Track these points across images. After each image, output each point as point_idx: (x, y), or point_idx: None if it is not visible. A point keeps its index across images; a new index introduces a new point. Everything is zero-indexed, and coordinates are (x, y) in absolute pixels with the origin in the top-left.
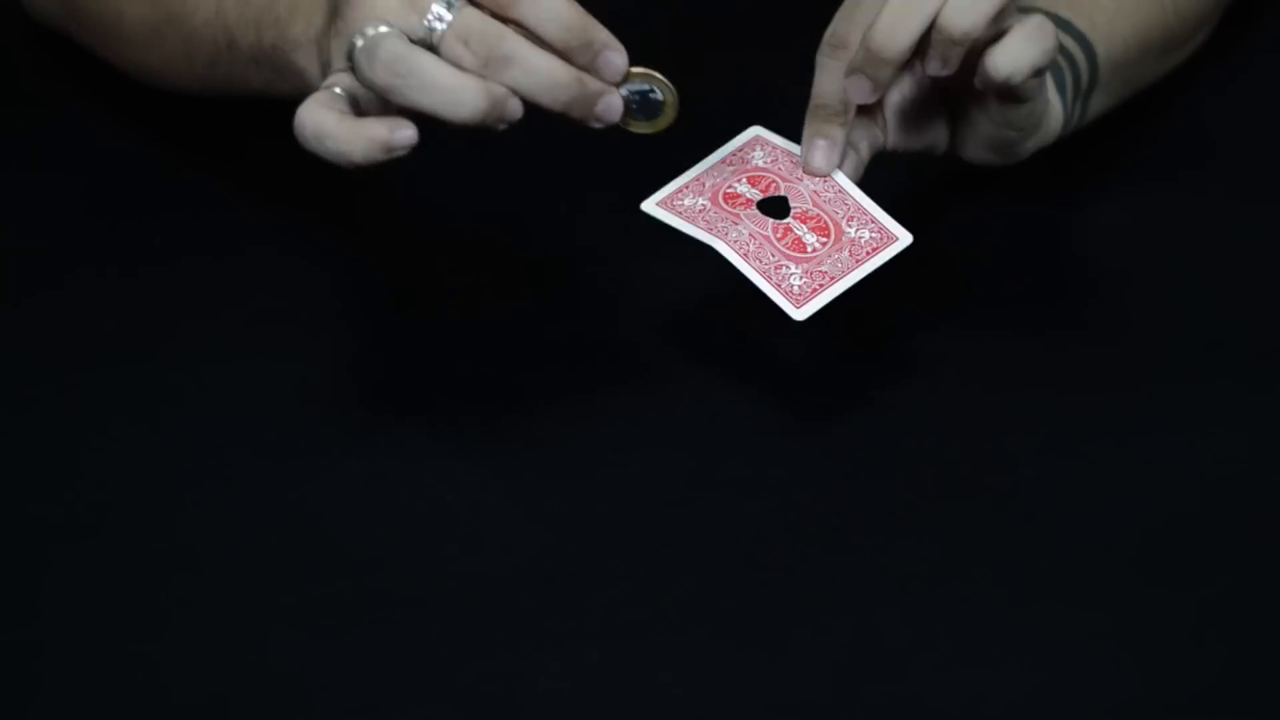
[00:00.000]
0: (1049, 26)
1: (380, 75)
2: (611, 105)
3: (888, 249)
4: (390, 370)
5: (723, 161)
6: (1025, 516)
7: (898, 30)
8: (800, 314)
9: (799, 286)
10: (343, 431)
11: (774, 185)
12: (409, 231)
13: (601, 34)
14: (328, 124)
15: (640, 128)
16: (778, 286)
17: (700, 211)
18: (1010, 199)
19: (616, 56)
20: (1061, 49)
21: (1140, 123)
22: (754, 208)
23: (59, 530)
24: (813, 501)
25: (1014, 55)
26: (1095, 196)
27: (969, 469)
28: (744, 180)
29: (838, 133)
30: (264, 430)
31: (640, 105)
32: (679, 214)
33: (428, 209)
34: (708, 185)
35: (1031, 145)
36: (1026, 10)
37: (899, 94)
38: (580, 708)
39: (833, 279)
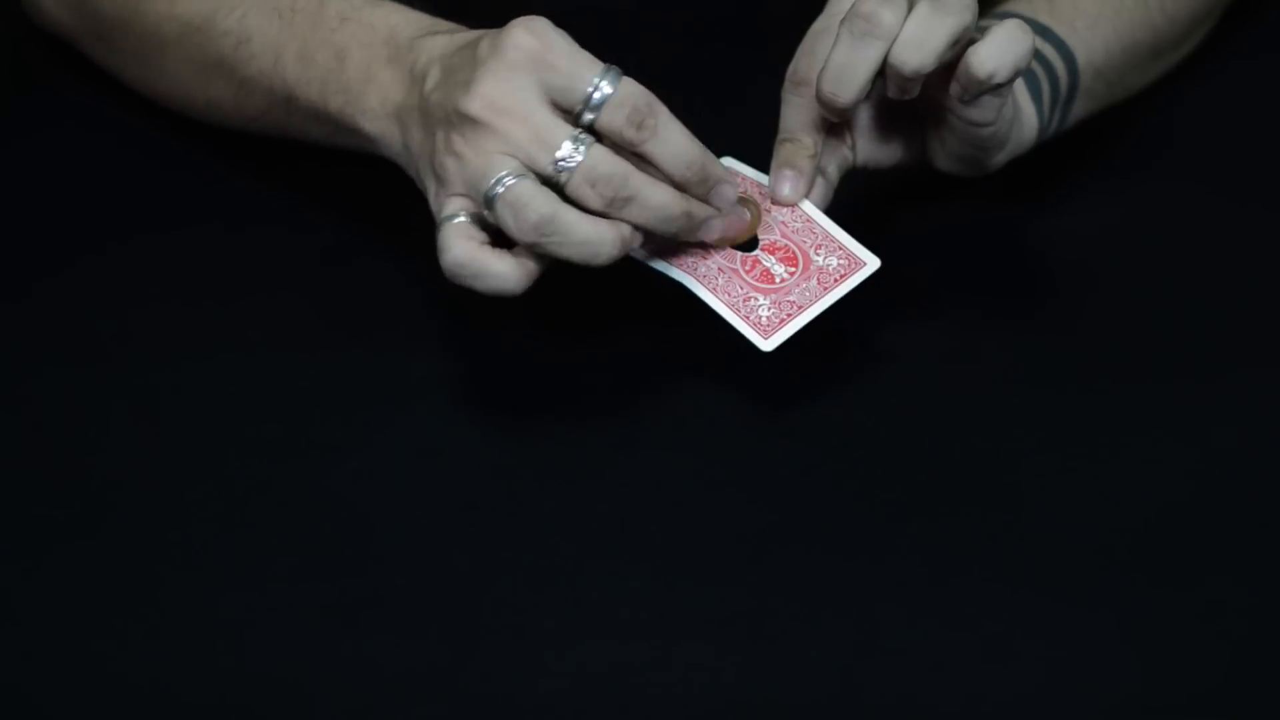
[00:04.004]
0: (1027, 29)
1: (527, 234)
2: (712, 228)
3: (855, 275)
4: (389, 371)
5: None
6: (1025, 516)
7: (845, 78)
8: (768, 345)
9: (767, 318)
10: (343, 432)
11: None
12: (410, 231)
13: (717, 169)
14: (481, 260)
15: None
16: (745, 319)
17: (668, 247)
18: (1007, 199)
19: (729, 190)
20: (1039, 56)
21: (1119, 124)
22: None
23: (59, 530)
24: (813, 502)
25: (997, 54)
26: (1093, 197)
27: (969, 469)
28: None
29: (805, 164)
30: (264, 430)
31: None
32: (646, 248)
33: (427, 209)
34: None
35: (1004, 156)
36: (1003, 16)
37: (866, 112)
38: (580, 708)
39: (800, 308)
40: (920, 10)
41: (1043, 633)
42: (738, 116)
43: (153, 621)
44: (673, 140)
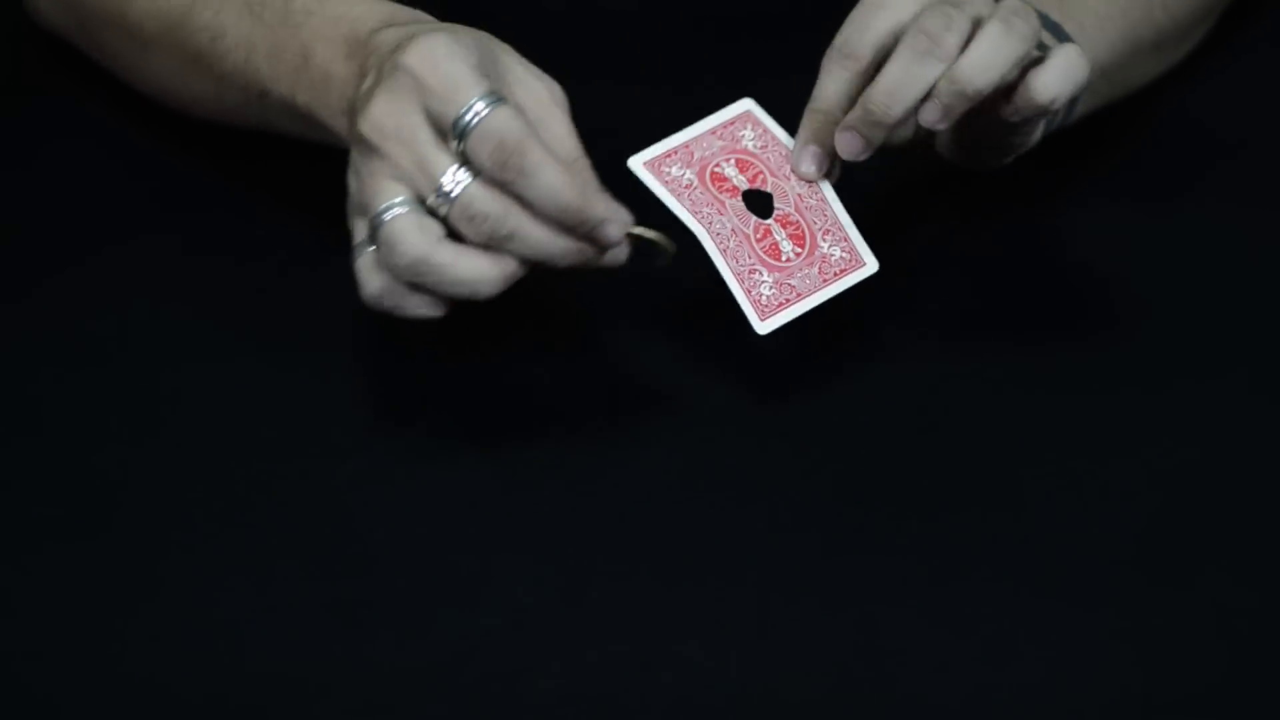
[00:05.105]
0: (1083, 54)
1: (402, 274)
2: (617, 256)
3: (853, 273)
4: (389, 371)
5: (711, 132)
6: (1025, 516)
7: (899, 94)
8: (764, 328)
9: (768, 297)
10: (343, 432)
11: (761, 177)
12: None
13: (598, 209)
14: (400, 293)
15: (642, 266)
16: (748, 293)
17: (687, 188)
18: (1009, 201)
19: (614, 229)
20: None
21: (1119, 124)
22: (739, 197)
23: (59, 530)
24: (813, 502)
25: (1059, 81)
26: (1093, 198)
27: (969, 469)
28: (732, 162)
29: (830, 141)
30: (264, 430)
31: (641, 250)
32: (665, 183)
33: None
34: (696, 157)
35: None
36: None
37: None
38: (580, 708)
39: (799, 296)
40: (990, 32)
41: (1043, 633)
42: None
43: (153, 621)
44: (543, 184)
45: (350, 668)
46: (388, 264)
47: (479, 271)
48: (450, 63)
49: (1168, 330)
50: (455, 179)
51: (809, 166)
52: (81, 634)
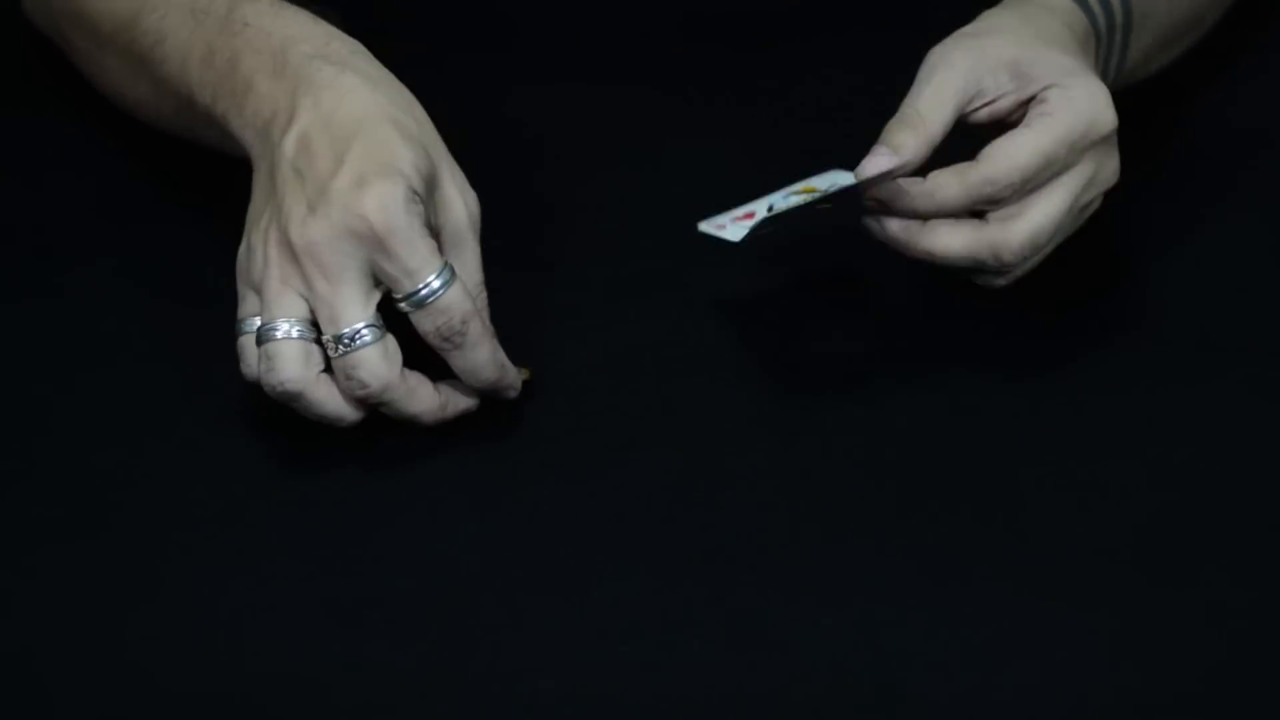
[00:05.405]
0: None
1: (273, 391)
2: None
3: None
4: None
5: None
6: (1025, 517)
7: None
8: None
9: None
10: (342, 431)
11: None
12: None
13: (508, 378)
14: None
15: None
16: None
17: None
18: None
19: (515, 391)
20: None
21: (1120, 123)
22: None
23: (59, 530)
24: (813, 502)
25: (1022, 246)
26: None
27: (969, 469)
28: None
29: (894, 157)
30: (264, 430)
31: None
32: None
33: None
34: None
35: None
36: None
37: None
38: (580, 708)
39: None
40: (1052, 205)
41: (1043, 633)
42: (740, 117)
43: (153, 621)
44: (476, 359)
45: (350, 668)
46: (261, 373)
47: (344, 415)
48: (410, 226)
49: (1168, 330)
50: (355, 339)
51: (871, 168)
52: (81, 634)
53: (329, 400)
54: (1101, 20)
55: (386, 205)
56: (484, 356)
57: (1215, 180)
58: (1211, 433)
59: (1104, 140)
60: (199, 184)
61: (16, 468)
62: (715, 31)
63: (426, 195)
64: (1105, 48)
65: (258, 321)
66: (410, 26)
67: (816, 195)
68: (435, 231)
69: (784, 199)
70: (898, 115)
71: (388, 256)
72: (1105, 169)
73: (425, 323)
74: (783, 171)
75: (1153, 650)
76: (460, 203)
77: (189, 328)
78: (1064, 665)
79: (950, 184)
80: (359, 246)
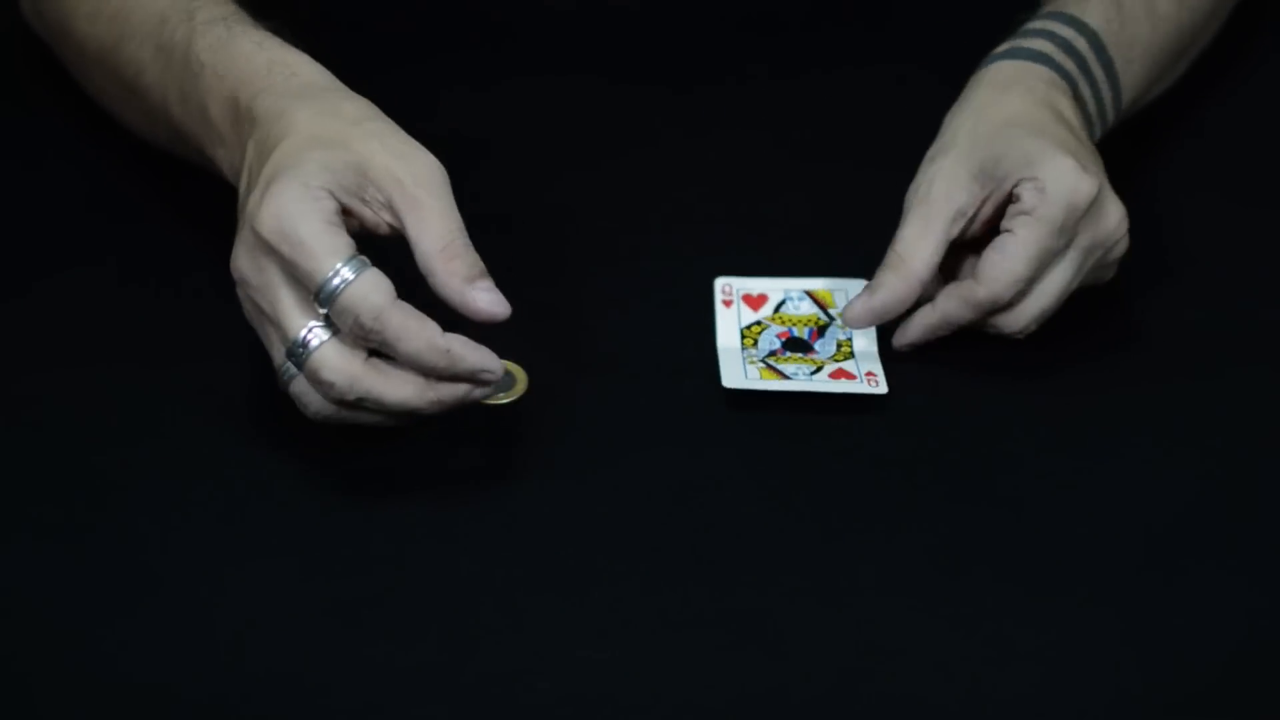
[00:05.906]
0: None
1: (344, 397)
2: (475, 394)
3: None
4: None
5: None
6: (1026, 516)
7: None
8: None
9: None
10: (342, 431)
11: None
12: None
13: (467, 359)
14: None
15: (498, 400)
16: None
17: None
18: None
19: (488, 375)
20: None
21: (1120, 126)
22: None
23: (59, 530)
24: (813, 501)
25: (1026, 320)
26: None
27: (970, 469)
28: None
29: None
30: (264, 430)
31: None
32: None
33: None
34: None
35: None
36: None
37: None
38: (580, 708)
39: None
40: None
41: (1043, 633)
42: (740, 117)
43: (153, 621)
44: (408, 350)
45: (350, 668)
46: (324, 395)
47: (329, 416)
48: (304, 225)
49: (1169, 330)
50: (307, 342)
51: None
52: (81, 634)
53: (323, 409)
54: (1070, 64)
55: (276, 212)
56: (417, 346)
57: (1217, 180)
58: (1212, 433)
59: (1091, 206)
60: (198, 184)
61: (16, 468)
62: (715, 29)
63: (349, 184)
64: (1089, 87)
65: (289, 364)
66: (407, 24)
67: (826, 374)
68: (376, 212)
69: (795, 302)
70: (884, 259)
71: (286, 261)
72: (1102, 228)
73: (339, 322)
74: (783, 173)
75: (1153, 650)
76: (402, 168)
77: (189, 327)
78: (1064, 665)
79: (961, 311)
80: (269, 258)
